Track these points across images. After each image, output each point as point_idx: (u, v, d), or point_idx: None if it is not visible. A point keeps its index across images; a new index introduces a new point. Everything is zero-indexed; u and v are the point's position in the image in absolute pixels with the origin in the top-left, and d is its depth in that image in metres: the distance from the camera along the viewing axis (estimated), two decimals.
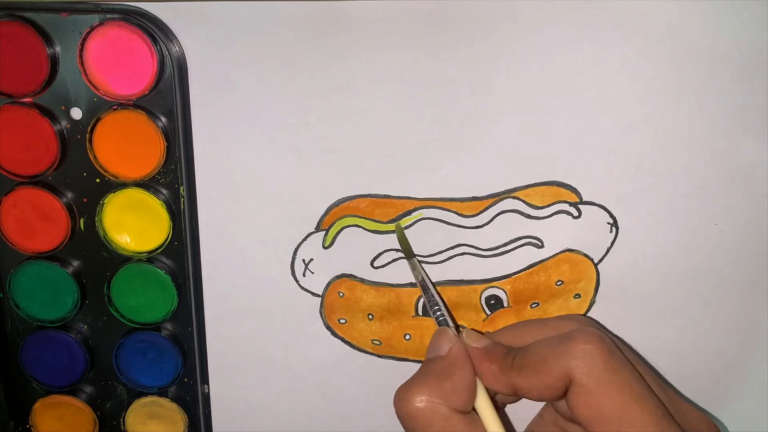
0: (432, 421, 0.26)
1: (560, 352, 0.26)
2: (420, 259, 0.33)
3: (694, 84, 0.29)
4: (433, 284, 0.33)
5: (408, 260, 0.32)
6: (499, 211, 0.32)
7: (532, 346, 0.27)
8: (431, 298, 0.30)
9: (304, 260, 0.33)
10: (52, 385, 0.37)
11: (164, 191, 0.32)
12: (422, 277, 0.31)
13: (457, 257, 0.33)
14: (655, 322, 0.34)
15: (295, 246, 0.33)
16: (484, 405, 0.27)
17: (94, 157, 0.32)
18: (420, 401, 0.26)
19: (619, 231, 0.32)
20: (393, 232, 0.32)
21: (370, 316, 0.34)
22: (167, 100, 0.31)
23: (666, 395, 0.27)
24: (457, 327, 0.30)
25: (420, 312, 0.34)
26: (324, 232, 0.33)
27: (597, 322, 0.33)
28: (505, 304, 0.34)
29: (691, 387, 0.34)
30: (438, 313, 0.30)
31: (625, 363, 0.26)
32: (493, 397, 0.28)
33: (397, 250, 0.33)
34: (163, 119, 0.31)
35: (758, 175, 0.31)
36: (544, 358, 0.26)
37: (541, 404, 0.31)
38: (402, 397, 0.26)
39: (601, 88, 0.30)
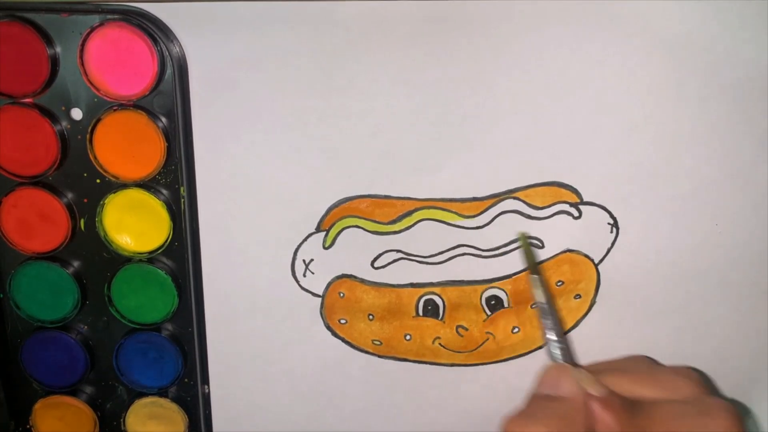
0: None
1: (697, 428, 0.25)
2: (420, 259, 0.33)
3: (694, 84, 0.29)
4: (554, 310, 0.31)
5: (530, 277, 0.31)
6: (499, 211, 0.32)
7: (659, 413, 0.27)
8: (554, 327, 0.30)
9: (304, 260, 0.33)
10: (53, 385, 0.37)
11: (164, 192, 0.32)
12: (546, 300, 0.30)
13: (457, 258, 0.33)
14: (656, 322, 0.34)
15: (296, 246, 0.33)
16: None
17: (95, 157, 0.32)
18: None
19: (620, 231, 0.32)
20: (393, 232, 0.32)
21: (371, 317, 0.34)
22: (167, 101, 0.31)
23: None
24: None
25: (420, 312, 0.34)
26: (324, 233, 0.33)
27: (704, 375, 0.32)
28: (506, 305, 0.34)
29: None
30: (556, 345, 0.29)
31: None
32: None
33: (397, 251, 0.33)
34: (164, 119, 0.31)
35: (758, 175, 0.31)
36: (676, 429, 0.26)
37: None
38: (521, 428, 0.26)
39: (601, 88, 0.30)
